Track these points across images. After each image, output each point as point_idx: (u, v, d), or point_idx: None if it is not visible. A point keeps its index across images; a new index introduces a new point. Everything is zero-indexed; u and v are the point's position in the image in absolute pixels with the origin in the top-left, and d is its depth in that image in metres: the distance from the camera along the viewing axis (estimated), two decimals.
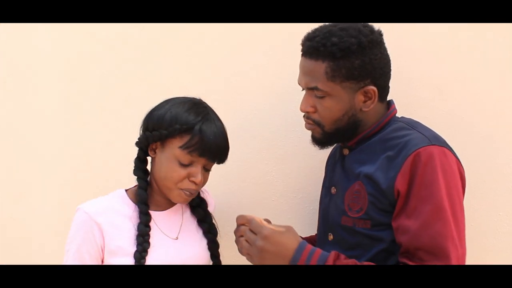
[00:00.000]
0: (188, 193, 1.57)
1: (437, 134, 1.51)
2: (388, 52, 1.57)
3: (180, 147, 1.53)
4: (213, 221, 1.73)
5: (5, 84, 2.13)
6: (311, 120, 1.56)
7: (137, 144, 1.62)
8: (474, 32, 1.75)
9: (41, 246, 2.13)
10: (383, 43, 1.53)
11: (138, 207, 1.58)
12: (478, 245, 1.77)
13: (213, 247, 1.69)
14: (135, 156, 1.65)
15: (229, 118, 1.86)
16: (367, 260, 1.48)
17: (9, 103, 2.14)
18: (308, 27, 1.56)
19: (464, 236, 1.46)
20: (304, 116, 1.58)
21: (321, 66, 1.48)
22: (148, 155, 1.63)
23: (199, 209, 1.70)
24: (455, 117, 1.77)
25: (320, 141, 1.58)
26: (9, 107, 2.14)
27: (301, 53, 1.55)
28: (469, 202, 1.76)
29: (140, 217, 1.57)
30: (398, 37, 1.77)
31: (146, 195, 1.59)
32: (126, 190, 1.64)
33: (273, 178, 1.93)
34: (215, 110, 1.63)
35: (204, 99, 1.64)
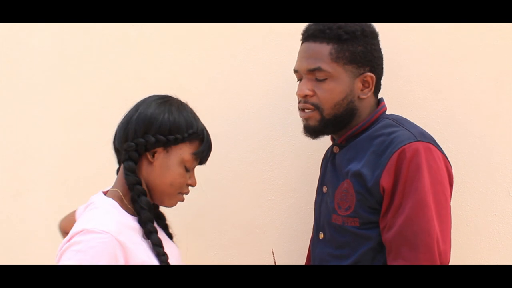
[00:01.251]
0: (184, 196, 1.53)
1: (423, 131, 1.51)
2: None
3: (194, 153, 1.48)
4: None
5: (4, 83, 2.14)
6: (309, 104, 1.54)
7: (135, 148, 1.46)
8: (471, 33, 1.74)
9: (38, 246, 2.13)
10: (379, 41, 1.58)
11: (145, 216, 1.45)
12: (474, 245, 1.76)
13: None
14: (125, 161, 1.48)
15: (225, 117, 1.87)
16: (355, 260, 1.48)
17: (8, 103, 2.14)
18: None
19: (449, 232, 1.45)
20: (300, 102, 1.56)
21: (326, 48, 1.52)
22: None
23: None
24: (451, 117, 1.76)
25: (315, 129, 1.55)
26: (7, 107, 2.14)
27: (301, 41, 1.57)
28: (465, 202, 1.76)
29: (149, 227, 1.45)
30: (396, 37, 1.77)
31: (151, 202, 1.48)
32: (107, 197, 1.48)
33: (270, 178, 1.93)
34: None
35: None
